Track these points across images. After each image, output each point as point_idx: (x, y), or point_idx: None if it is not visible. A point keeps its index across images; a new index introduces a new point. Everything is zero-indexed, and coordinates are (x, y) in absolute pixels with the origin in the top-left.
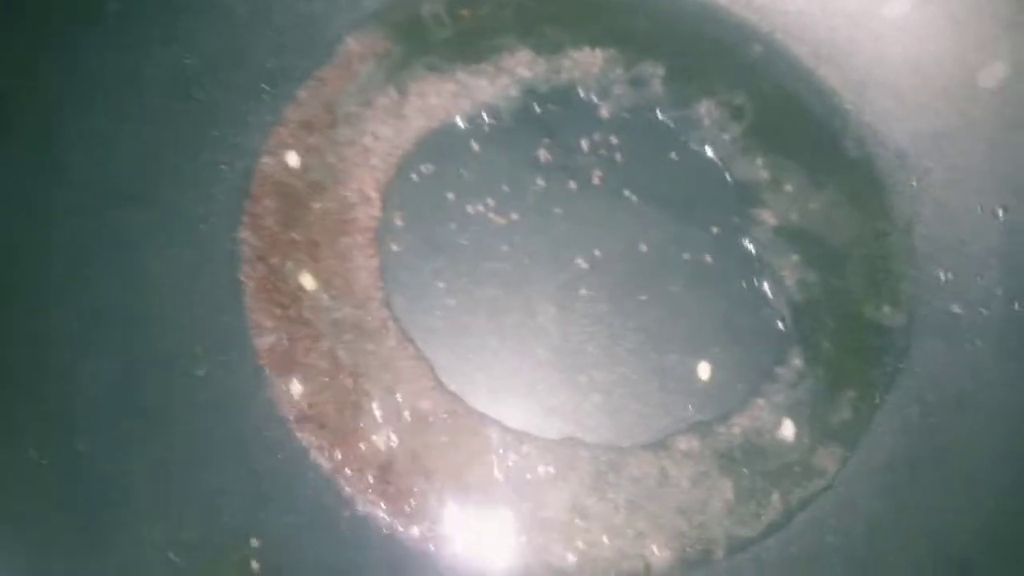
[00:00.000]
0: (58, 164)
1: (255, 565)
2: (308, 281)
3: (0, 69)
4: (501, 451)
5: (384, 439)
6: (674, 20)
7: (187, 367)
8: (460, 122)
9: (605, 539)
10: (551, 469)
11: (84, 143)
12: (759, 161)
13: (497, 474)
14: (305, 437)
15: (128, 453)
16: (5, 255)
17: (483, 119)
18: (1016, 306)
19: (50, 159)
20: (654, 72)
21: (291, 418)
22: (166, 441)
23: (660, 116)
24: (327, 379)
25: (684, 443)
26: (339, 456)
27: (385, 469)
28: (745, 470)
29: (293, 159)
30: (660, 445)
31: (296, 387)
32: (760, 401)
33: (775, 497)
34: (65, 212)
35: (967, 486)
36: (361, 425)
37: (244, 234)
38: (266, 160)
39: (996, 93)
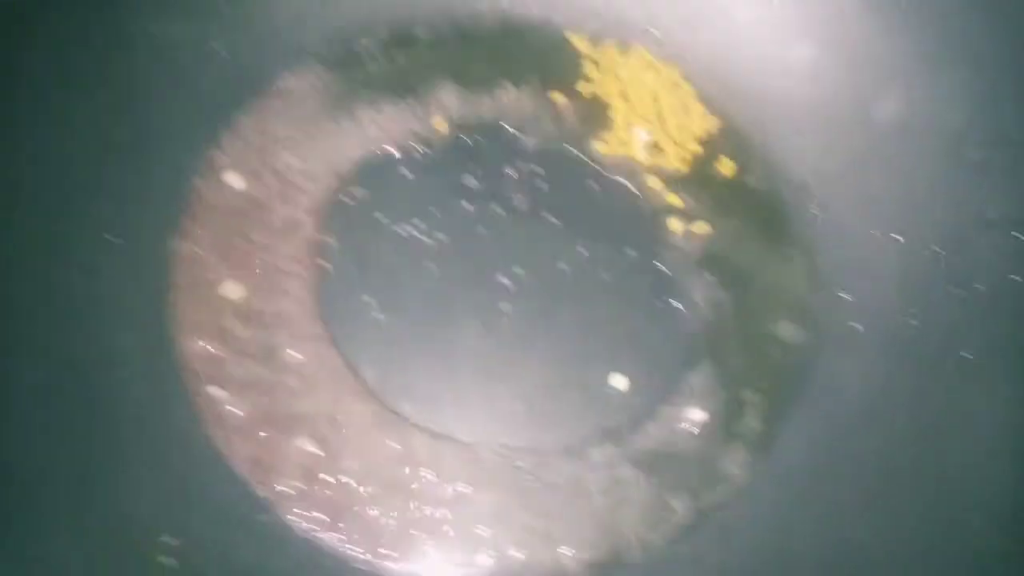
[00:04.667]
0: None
1: (170, 562)
2: (238, 292)
3: None
4: (425, 454)
5: (307, 444)
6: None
7: (110, 368)
8: (393, 151)
9: (521, 541)
10: (475, 473)
11: (27, 155)
12: (673, 190)
13: (422, 474)
14: (226, 441)
15: (46, 445)
16: None
17: (415, 148)
18: (914, 322)
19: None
20: (574, 107)
21: (212, 422)
22: (85, 435)
23: (574, 149)
24: (252, 386)
25: (599, 450)
26: (260, 459)
27: (307, 474)
28: (657, 476)
29: (232, 179)
30: (577, 452)
31: (220, 393)
32: (672, 411)
33: (686, 502)
34: (4, 216)
35: (869, 491)
36: (284, 430)
37: (178, 244)
38: (204, 179)
39: (891, 126)
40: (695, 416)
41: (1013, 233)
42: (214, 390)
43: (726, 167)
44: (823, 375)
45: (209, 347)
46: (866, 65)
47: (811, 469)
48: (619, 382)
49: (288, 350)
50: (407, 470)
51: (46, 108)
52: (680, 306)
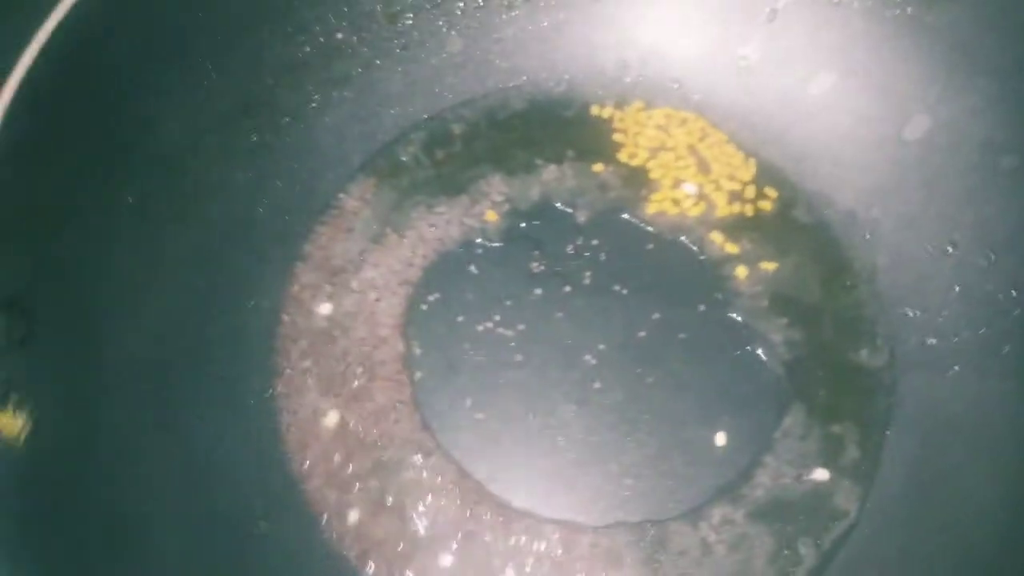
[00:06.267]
0: (94, 343)
1: None
2: (344, 421)
3: (31, 274)
4: (555, 546)
5: (441, 556)
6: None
7: (248, 526)
8: (455, 249)
9: None
10: (605, 555)
11: (115, 324)
12: (728, 238)
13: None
14: (363, 568)
15: None
16: (55, 429)
17: (475, 243)
18: (983, 330)
19: (88, 343)
20: (615, 174)
21: (351, 556)
22: None
23: (626, 215)
24: (378, 513)
25: (717, 509)
26: None
27: None
28: (776, 525)
29: (315, 308)
30: (696, 515)
31: (352, 519)
32: (776, 457)
33: (809, 545)
34: (111, 388)
35: (976, 499)
36: (420, 551)
37: (279, 387)
38: (287, 313)
39: (922, 143)
40: (798, 458)
41: None
42: (341, 519)
43: (772, 206)
44: (910, 395)
45: (327, 479)
46: (886, 87)
47: (916, 486)
48: (719, 438)
49: (403, 467)
50: (546, 566)
51: (127, 266)
52: (760, 352)
